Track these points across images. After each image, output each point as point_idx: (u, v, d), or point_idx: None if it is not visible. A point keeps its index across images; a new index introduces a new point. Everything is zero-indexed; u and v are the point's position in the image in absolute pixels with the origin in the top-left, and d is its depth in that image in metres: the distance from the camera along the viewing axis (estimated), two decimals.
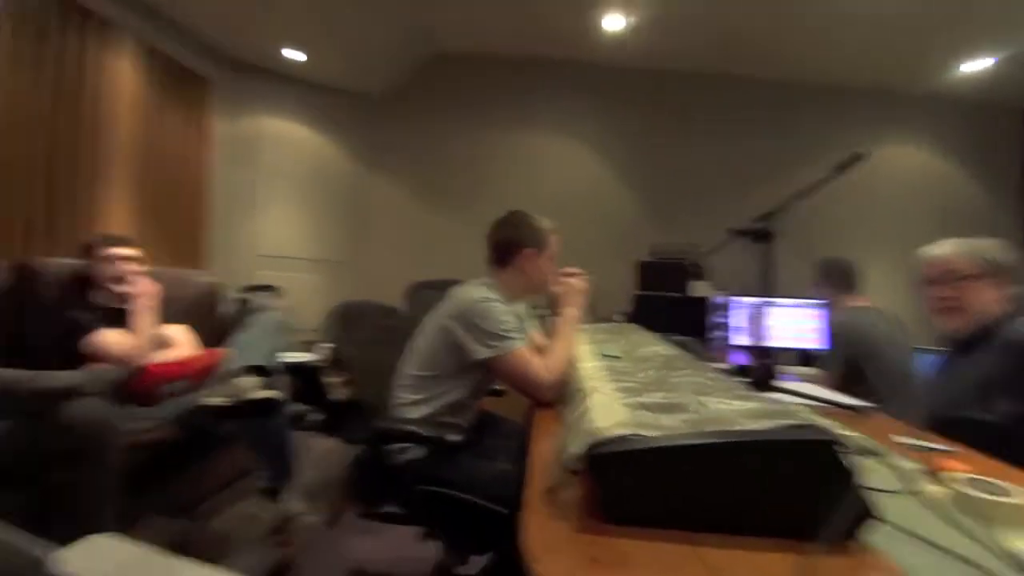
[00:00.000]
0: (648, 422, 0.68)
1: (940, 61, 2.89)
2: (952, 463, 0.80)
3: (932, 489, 0.75)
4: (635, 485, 0.61)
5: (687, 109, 3.37)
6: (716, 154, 3.34)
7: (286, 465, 1.74)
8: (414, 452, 1.25)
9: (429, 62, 3.54)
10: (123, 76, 2.66)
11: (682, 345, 1.67)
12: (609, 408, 0.75)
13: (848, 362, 2.00)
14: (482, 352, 1.21)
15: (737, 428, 0.62)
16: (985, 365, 1.22)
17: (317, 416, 2.69)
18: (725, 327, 2.65)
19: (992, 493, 0.70)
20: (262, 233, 3.49)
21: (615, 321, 2.72)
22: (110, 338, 1.72)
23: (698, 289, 2.46)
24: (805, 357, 2.58)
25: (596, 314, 2.95)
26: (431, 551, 1.48)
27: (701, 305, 2.37)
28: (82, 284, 1.88)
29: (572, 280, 1.44)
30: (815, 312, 2.65)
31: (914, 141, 3.38)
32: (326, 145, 3.63)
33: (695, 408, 0.74)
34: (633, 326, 1.97)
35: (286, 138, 3.53)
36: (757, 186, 3.19)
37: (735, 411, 0.72)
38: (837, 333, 2.04)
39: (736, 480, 0.60)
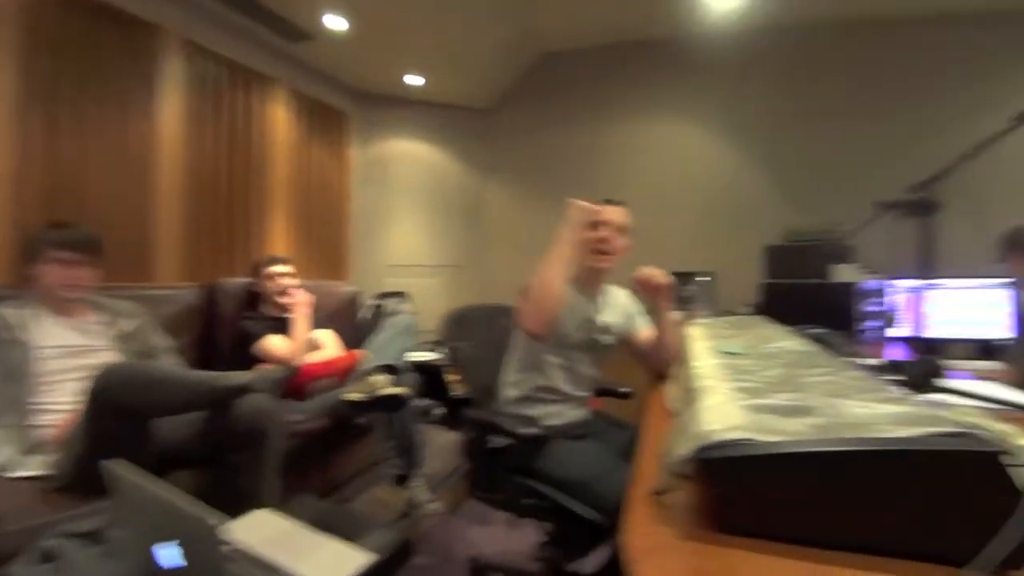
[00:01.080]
0: (769, 426, 0.62)
1: None
2: None
3: None
4: (750, 493, 0.56)
5: (816, 70, 2.93)
6: (855, 119, 2.86)
7: (413, 455, 1.89)
8: (501, 441, 1.30)
9: (537, 64, 3.59)
10: (279, 120, 3.12)
11: (819, 339, 1.47)
12: (723, 409, 0.70)
13: None
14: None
15: (876, 435, 0.54)
16: None
17: (440, 411, 2.89)
18: (879, 316, 2.28)
19: None
20: (391, 245, 3.84)
21: (741, 314, 2.50)
22: (274, 343, 2.03)
23: (842, 274, 2.15)
24: (985, 349, 2.13)
25: (718, 307, 2.74)
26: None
27: (846, 292, 2.06)
28: (253, 299, 2.24)
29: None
30: (997, 294, 2.18)
31: None
32: (445, 158, 3.88)
33: (827, 411, 0.66)
34: (761, 319, 1.79)
35: (409, 157, 3.85)
36: (907, 151, 2.66)
37: (877, 415, 0.63)
38: None
39: (870, 494, 0.52)
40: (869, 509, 0.52)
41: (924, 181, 1.03)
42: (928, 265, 1.04)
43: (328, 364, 1.91)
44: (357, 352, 1.99)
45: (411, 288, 3.60)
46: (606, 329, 1.46)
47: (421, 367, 2.71)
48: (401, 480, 1.92)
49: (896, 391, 0.72)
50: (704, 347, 1.26)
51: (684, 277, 2.62)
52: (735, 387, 0.84)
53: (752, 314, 2.43)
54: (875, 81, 2.86)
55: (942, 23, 2.72)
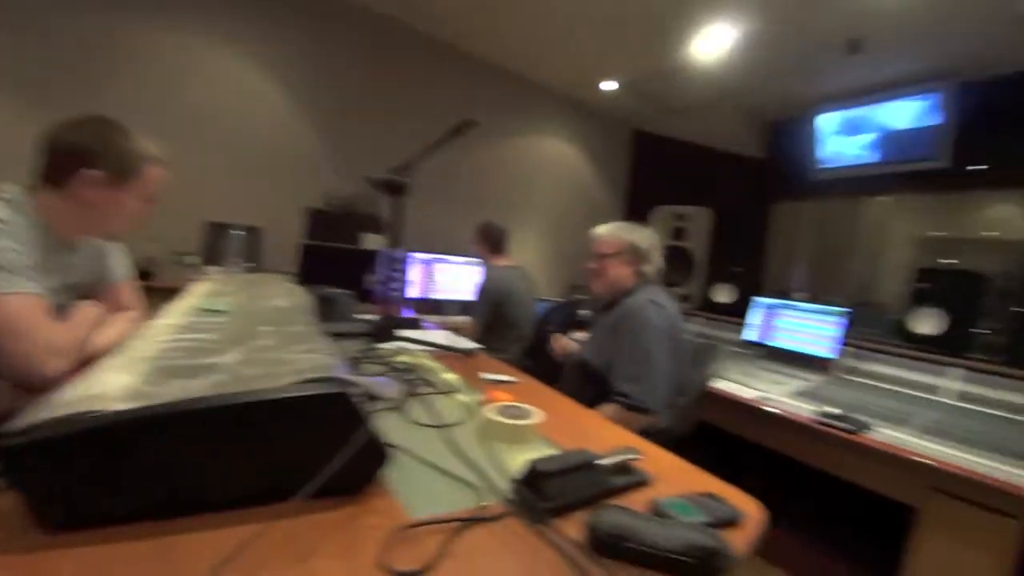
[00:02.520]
0: (158, 392, 0.53)
1: (589, 76, 3.53)
2: (502, 394, 0.93)
3: (483, 417, 0.84)
4: (73, 477, 0.45)
5: (385, 56, 3.18)
6: (405, 109, 3.29)
7: None
8: None
9: None
10: None
11: (329, 298, 1.57)
12: (107, 376, 0.57)
13: (492, 312, 2.30)
14: None
15: (249, 389, 0.53)
16: (606, 324, 1.52)
17: None
18: (398, 281, 2.71)
19: (516, 417, 0.82)
20: None
21: (285, 273, 2.46)
22: None
23: (371, 242, 2.42)
24: (464, 307, 2.88)
25: (264, 265, 2.61)
26: None
27: (373, 258, 2.34)
28: None
29: None
30: (476, 269, 3.00)
31: (562, 137, 4.11)
32: None
33: (234, 370, 0.62)
34: (278, 277, 1.76)
35: None
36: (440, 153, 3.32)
37: (286, 368, 0.64)
38: (485, 288, 2.30)
39: (230, 449, 0.51)
40: (233, 464, 0.51)
41: (398, 167, 1.21)
42: (398, 237, 1.22)
43: None
44: None
45: None
46: (69, 289, 1.08)
47: None
48: None
49: (326, 344, 0.78)
50: (185, 305, 1.10)
51: (219, 228, 2.33)
52: (163, 348, 0.73)
53: (291, 273, 2.42)
54: (428, 89, 3.32)
55: (488, 69, 3.45)
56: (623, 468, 0.71)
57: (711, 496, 0.66)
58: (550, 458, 0.62)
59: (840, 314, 2.25)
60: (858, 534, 2.15)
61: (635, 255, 1.59)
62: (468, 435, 0.79)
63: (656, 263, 1.61)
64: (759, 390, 1.98)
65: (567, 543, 0.52)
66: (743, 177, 3.71)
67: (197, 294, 1.27)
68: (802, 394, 1.96)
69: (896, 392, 2.04)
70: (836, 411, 1.70)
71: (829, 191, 3.32)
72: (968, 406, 1.90)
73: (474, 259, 2.89)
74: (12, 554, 0.44)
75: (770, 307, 2.51)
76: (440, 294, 3.01)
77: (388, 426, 0.77)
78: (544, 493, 0.58)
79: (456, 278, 3.06)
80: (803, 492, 2.45)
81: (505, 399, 0.91)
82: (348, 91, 3.03)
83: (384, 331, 1.20)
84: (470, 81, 3.48)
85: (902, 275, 3.03)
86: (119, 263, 1.26)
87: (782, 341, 2.40)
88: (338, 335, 1.34)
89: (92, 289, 1.18)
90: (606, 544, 0.51)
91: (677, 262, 3.55)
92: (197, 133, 2.63)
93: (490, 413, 0.82)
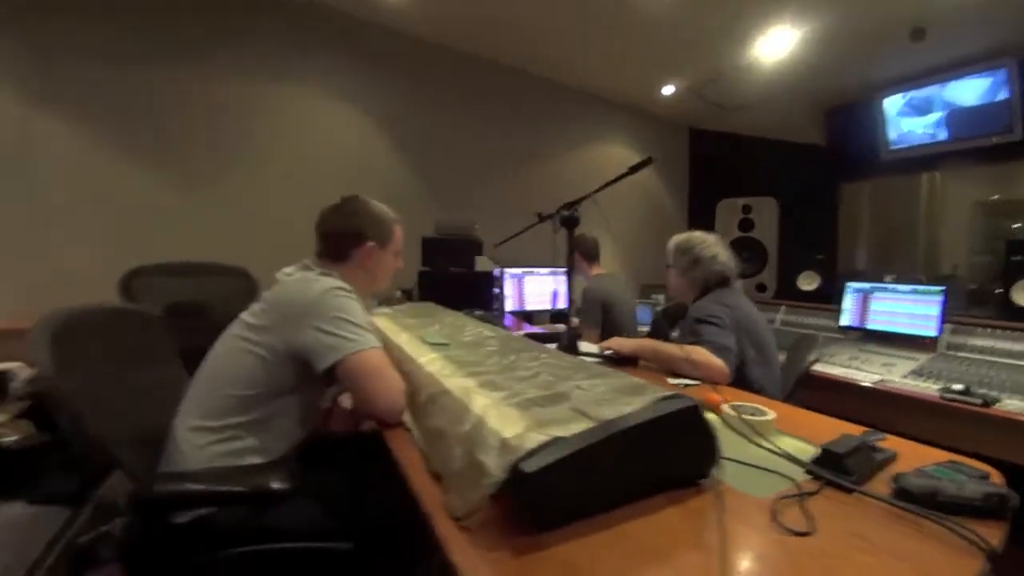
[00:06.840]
0: (549, 419, 0.68)
1: (649, 84, 3.66)
2: (712, 394, 1.08)
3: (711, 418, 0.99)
4: (561, 489, 0.61)
5: (460, 88, 3.42)
6: (481, 136, 3.51)
7: None
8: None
9: None
10: None
11: (482, 319, 1.75)
12: (500, 411, 0.73)
13: (604, 317, 2.45)
14: (330, 356, 0.99)
15: (621, 411, 0.68)
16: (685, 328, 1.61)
17: None
18: (499, 297, 2.90)
19: (754, 414, 0.97)
20: None
21: (397, 299, 2.65)
22: None
23: (481, 264, 2.61)
24: (553, 315, 3.08)
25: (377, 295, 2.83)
26: None
27: (486, 279, 2.52)
28: None
29: None
30: (560, 279, 3.17)
31: (621, 143, 4.25)
32: None
33: (573, 395, 0.78)
34: (430, 304, 1.96)
35: None
36: (516, 170, 3.57)
37: (606, 390, 0.79)
38: (593, 295, 2.45)
39: (635, 456, 0.67)
40: (634, 468, 0.67)
41: (570, 203, 1.38)
42: (572, 264, 1.39)
43: None
44: None
45: None
46: None
47: None
48: None
49: (591, 366, 0.95)
50: (409, 340, 1.29)
51: None
52: (479, 382, 0.89)
53: (406, 299, 2.62)
54: (497, 112, 3.56)
55: (548, 84, 3.67)
56: (874, 447, 0.85)
57: (955, 463, 0.80)
58: (837, 442, 0.77)
59: (938, 292, 2.32)
60: None
61: (680, 266, 1.64)
62: (728, 434, 0.92)
63: (715, 268, 1.59)
64: (875, 373, 2.07)
65: (894, 502, 0.66)
66: (802, 164, 3.78)
67: (396, 329, 1.45)
68: (916, 373, 2.04)
69: (1012, 365, 2.04)
70: (959, 387, 1.79)
71: (900, 170, 3.35)
72: None
73: (568, 270, 3.05)
74: (521, 553, 0.56)
75: (863, 291, 2.59)
76: (531, 305, 3.19)
77: None
78: (847, 469, 0.73)
79: (543, 289, 3.24)
80: None
81: (718, 399, 1.05)
82: (437, 134, 3.39)
83: (570, 346, 1.37)
84: (534, 98, 3.69)
85: (965, 244, 3.06)
86: None
87: (880, 323, 2.48)
88: None
89: None
90: (920, 500, 0.66)
91: (748, 252, 3.63)
92: (304, 175, 2.91)
93: (730, 412, 0.97)
